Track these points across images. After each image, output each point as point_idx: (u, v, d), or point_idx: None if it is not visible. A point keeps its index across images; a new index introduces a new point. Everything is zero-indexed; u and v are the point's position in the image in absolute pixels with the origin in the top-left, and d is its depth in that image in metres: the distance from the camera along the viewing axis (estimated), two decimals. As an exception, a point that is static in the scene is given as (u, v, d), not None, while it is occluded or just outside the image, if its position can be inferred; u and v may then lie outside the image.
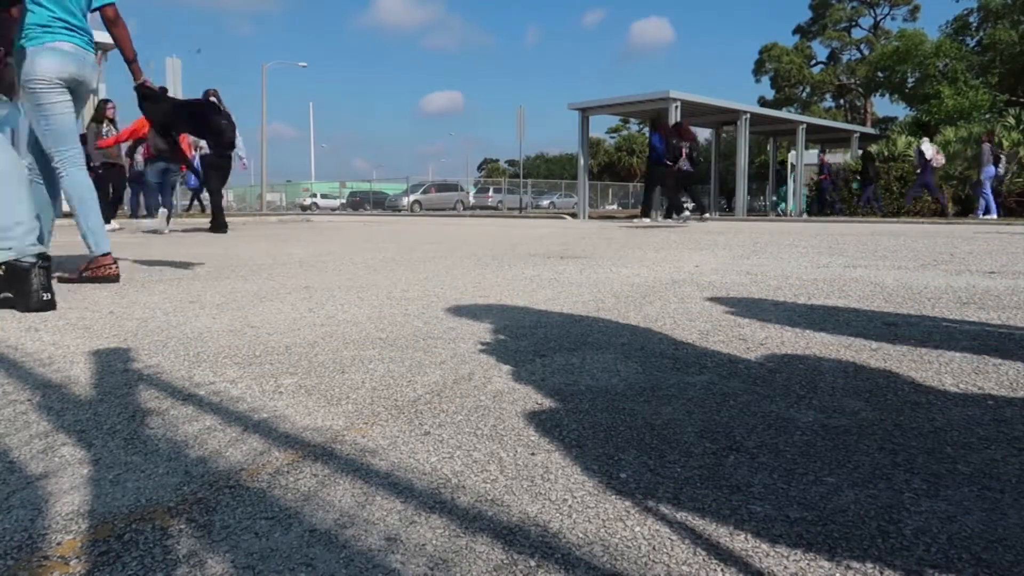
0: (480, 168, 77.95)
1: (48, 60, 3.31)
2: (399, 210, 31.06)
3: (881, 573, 0.84)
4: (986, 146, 13.96)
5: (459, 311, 2.69)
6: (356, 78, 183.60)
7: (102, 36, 13.58)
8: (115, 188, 10.76)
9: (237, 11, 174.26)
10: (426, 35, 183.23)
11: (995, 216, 13.60)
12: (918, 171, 14.80)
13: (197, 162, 9.44)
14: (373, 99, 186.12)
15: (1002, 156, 14.07)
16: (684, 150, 11.85)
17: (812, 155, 24.25)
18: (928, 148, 14.35)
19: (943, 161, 14.72)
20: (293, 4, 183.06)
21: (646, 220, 12.78)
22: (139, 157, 14.10)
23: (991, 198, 13.77)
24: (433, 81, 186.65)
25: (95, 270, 3.58)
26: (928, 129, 20.83)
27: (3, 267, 2.73)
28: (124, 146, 10.91)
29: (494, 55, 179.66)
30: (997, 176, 13.88)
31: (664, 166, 11.73)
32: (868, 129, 27.46)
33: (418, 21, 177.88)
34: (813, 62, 47.50)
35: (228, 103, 9.03)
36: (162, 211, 9.60)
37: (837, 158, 23.77)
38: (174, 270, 4.25)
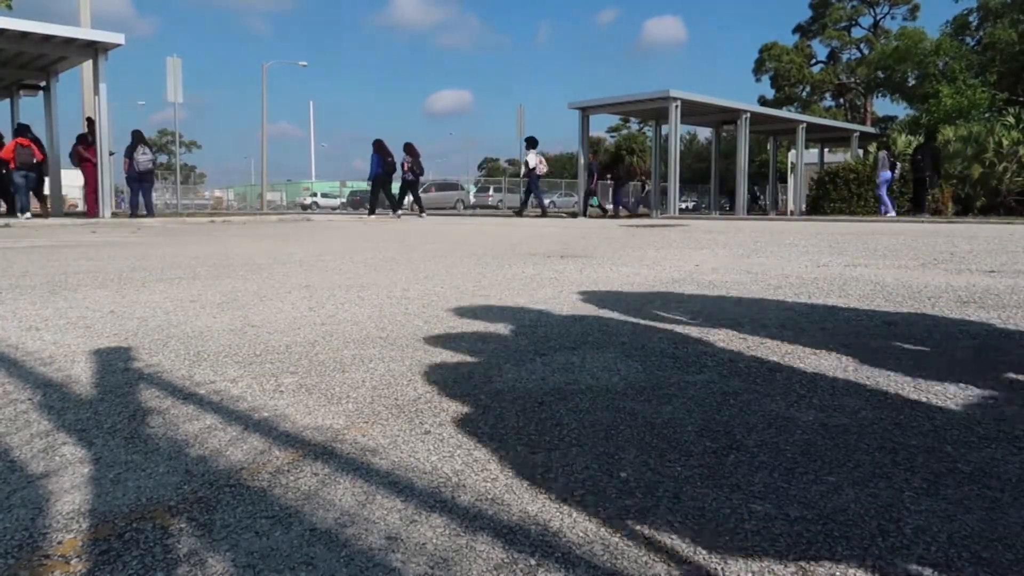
0: (480, 167, 77.92)
1: None
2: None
3: (881, 572, 0.84)
4: (882, 153, 15.71)
5: (459, 310, 2.69)
6: (359, 77, 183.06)
7: (102, 36, 13.46)
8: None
9: (251, 9, 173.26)
10: (437, 35, 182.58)
11: (893, 214, 15.00)
12: (525, 179, 17.20)
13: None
14: (376, 99, 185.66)
15: (897, 163, 15.76)
16: (407, 164, 15.93)
17: (812, 154, 24.27)
18: (532, 158, 16.76)
19: (545, 169, 17.52)
20: (303, 2, 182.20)
21: (372, 217, 16.09)
22: (141, 157, 14.17)
23: (885, 198, 15.31)
24: (439, 81, 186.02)
25: None
26: (925, 129, 21.20)
27: None
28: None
29: (504, 55, 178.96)
30: (893, 179, 15.54)
31: (382, 177, 15.81)
32: (868, 128, 27.43)
33: (429, 22, 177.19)
34: (813, 61, 47.48)
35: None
36: (26, 214, 12.60)
37: (838, 157, 23.77)
38: (174, 269, 4.25)
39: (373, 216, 16.40)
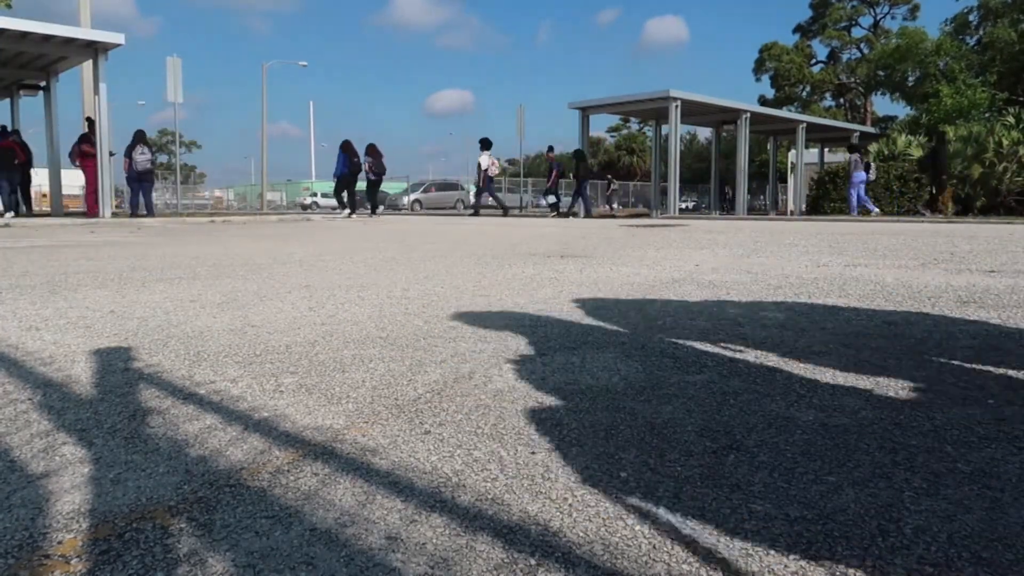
0: (480, 167, 77.72)
1: None
2: (399, 209, 31.02)
3: (881, 572, 0.84)
4: (854, 156, 16.30)
5: (459, 310, 2.69)
6: (359, 77, 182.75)
7: (102, 36, 13.46)
8: None
9: (251, 9, 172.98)
10: (438, 35, 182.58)
11: (876, 211, 15.61)
12: (478, 182, 17.56)
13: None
14: (377, 99, 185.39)
15: (872, 165, 16.45)
16: (367, 165, 16.56)
17: (813, 154, 24.29)
18: (485, 160, 17.05)
19: (496, 171, 17.76)
20: (303, 2, 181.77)
21: (355, 215, 16.88)
22: (139, 157, 14.19)
23: (854, 199, 15.81)
24: (440, 81, 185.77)
25: None
26: (924, 127, 21.36)
27: None
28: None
29: (505, 55, 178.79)
30: (868, 180, 16.06)
31: (347, 177, 16.44)
32: (868, 128, 27.43)
33: (431, 22, 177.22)
34: (813, 61, 47.47)
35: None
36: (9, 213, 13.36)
37: (838, 157, 23.80)
38: (174, 269, 4.25)
39: (349, 213, 16.82)
